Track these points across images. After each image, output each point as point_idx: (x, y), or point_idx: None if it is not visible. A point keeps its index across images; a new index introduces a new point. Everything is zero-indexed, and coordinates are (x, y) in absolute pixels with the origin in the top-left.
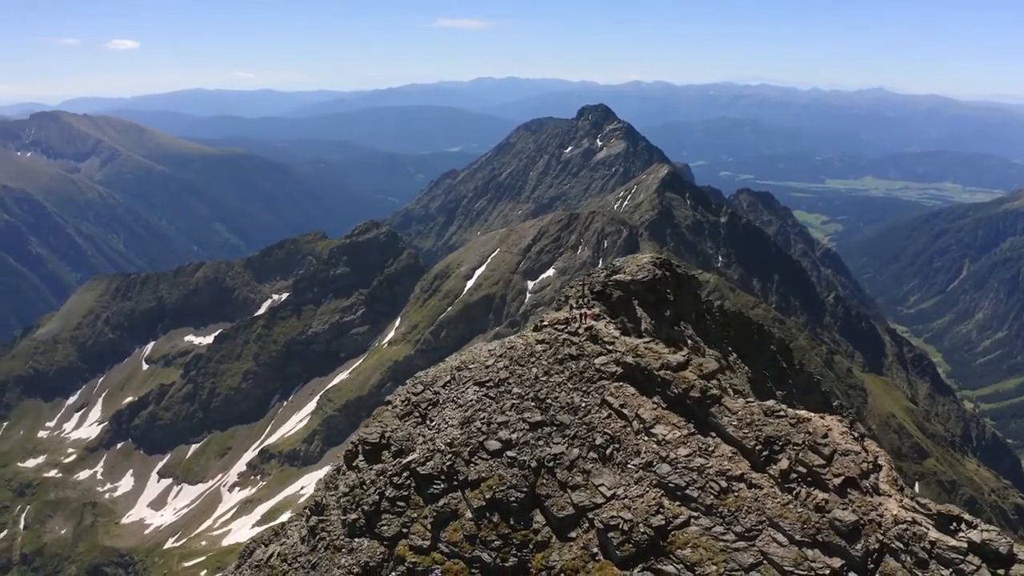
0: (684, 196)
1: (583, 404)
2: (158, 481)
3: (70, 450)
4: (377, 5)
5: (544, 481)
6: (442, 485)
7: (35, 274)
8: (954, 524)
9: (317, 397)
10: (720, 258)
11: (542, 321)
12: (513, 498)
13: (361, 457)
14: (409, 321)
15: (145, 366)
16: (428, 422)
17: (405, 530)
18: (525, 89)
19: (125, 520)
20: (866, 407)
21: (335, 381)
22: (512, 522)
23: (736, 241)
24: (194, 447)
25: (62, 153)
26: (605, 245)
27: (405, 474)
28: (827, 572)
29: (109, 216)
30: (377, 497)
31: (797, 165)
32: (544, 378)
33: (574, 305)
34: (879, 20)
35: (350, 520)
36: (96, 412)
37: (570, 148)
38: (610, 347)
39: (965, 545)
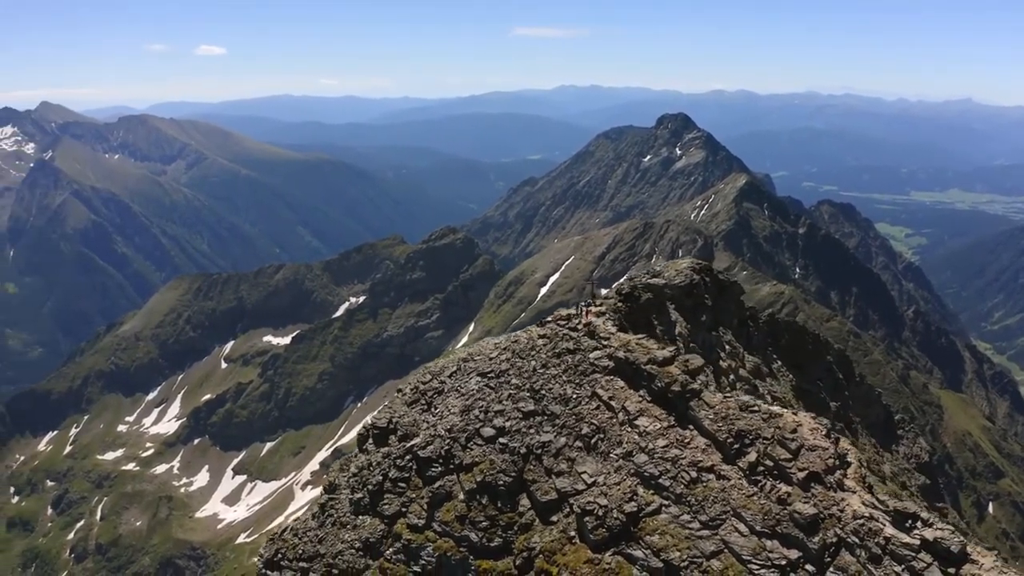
0: (762, 206)
1: (575, 396)
2: (232, 477)
3: (148, 444)
4: (455, 15)
5: (532, 467)
6: (440, 468)
7: (120, 273)
8: (909, 521)
9: (390, 399)
10: (797, 270)
11: (547, 318)
12: (502, 482)
13: (371, 441)
14: (483, 326)
15: (224, 365)
16: (433, 409)
17: (404, 509)
18: (607, 97)
19: (199, 514)
20: (941, 424)
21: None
22: (500, 505)
23: (814, 253)
24: (269, 445)
25: (149, 156)
26: (680, 254)
27: (408, 457)
28: (783, 563)
29: (194, 218)
30: (381, 478)
31: (881, 177)
32: (541, 370)
33: (583, 304)
34: (969, 29)
35: (356, 499)
36: (175, 408)
37: (649, 157)
38: (605, 342)
39: (918, 542)
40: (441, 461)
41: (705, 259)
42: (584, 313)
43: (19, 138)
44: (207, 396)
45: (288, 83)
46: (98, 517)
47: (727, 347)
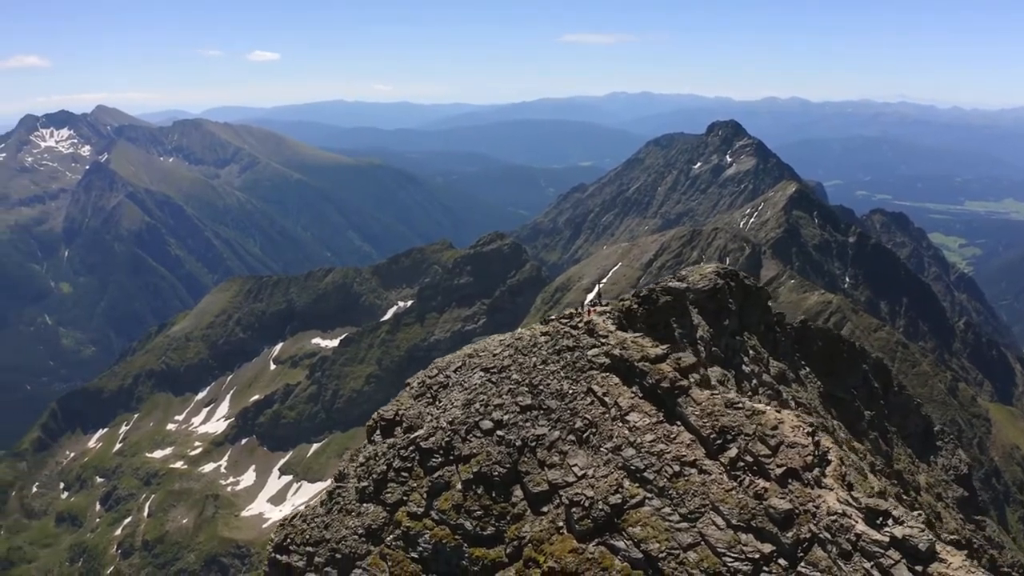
0: (812, 215)
1: (571, 391)
2: (279, 477)
3: (196, 443)
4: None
5: (526, 459)
6: (440, 459)
7: (173, 274)
8: (881, 519)
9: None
10: (847, 279)
11: (552, 316)
12: (496, 473)
13: (378, 432)
14: None
15: (273, 366)
16: (437, 402)
17: (405, 498)
18: (659, 104)
19: (245, 513)
20: (989, 438)
21: None
22: (494, 495)
23: (864, 262)
24: (315, 446)
25: (203, 159)
26: (727, 262)
27: (411, 448)
28: (757, 556)
29: (246, 221)
30: (385, 467)
31: (935, 185)
32: (541, 366)
33: (588, 303)
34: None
35: (361, 487)
36: (223, 408)
37: (699, 164)
38: (603, 340)
39: (887, 539)
40: (442, 452)
41: (753, 267)
42: (587, 312)
43: (75, 141)
44: (255, 397)
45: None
46: (145, 514)
47: (751, 352)
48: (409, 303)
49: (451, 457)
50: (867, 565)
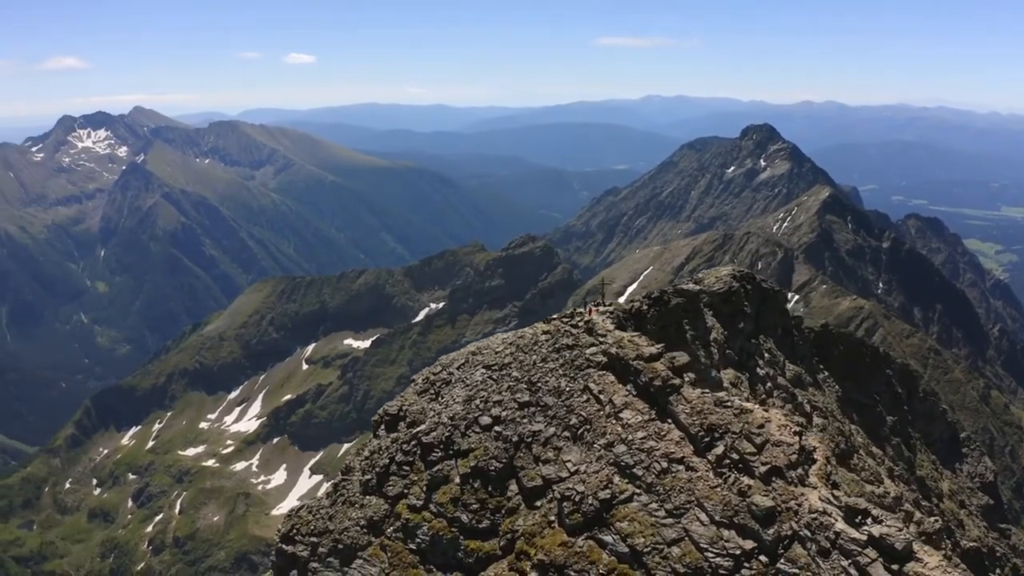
0: (846, 219)
1: (567, 388)
2: (309, 476)
3: (228, 442)
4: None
5: (522, 454)
6: (440, 453)
7: (208, 274)
8: (860, 517)
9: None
10: (880, 284)
11: (554, 315)
12: (493, 468)
13: (383, 426)
14: None
15: (305, 366)
16: (440, 398)
17: (406, 491)
18: (694, 108)
19: (275, 512)
20: (1022, 446)
21: None
22: (490, 489)
23: (898, 268)
24: (346, 446)
25: (238, 161)
26: (759, 267)
27: (413, 442)
28: (738, 552)
29: (281, 222)
30: (388, 461)
31: (972, 191)
32: (540, 364)
33: (590, 303)
34: None
35: (365, 480)
36: (256, 407)
37: (732, 168)
38: (601, 339)
39: (865, 538)
40: (442, 447)
41: (785, 272)
42: (588, 311)
43: (112, 141)
44: (287, 396)
45: (376, 91)
46: (177, 511)
47: (766, 355)
48: (441, 305)
49: (451, 452)
50: (845, 563)
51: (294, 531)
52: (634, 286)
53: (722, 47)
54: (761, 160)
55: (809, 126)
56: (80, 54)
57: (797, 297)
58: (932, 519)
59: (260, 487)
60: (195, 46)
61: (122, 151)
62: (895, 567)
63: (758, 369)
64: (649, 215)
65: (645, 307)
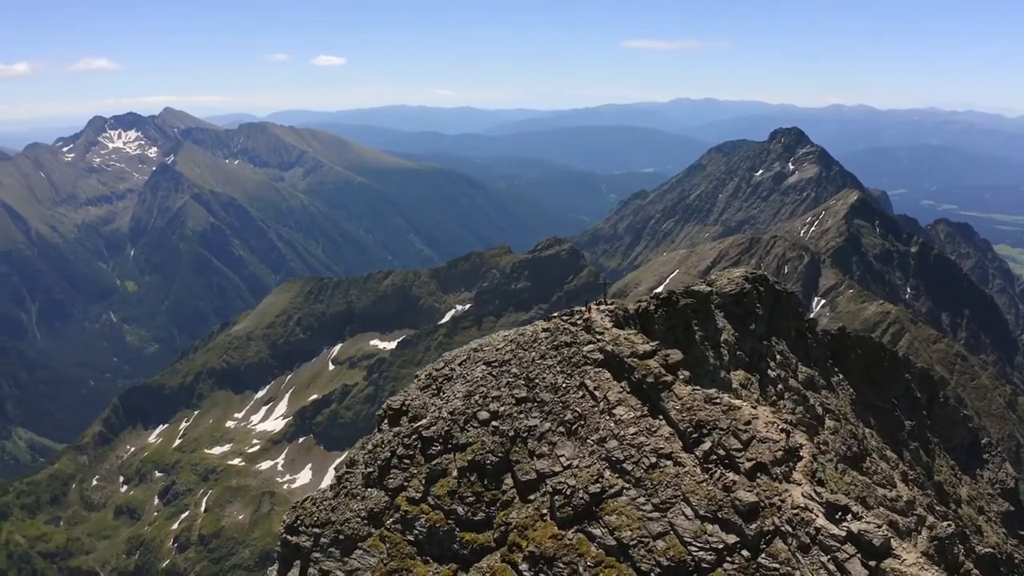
0: (874, 224)
1: (564, 385)
2: (334, 476)
3: (255, 441)
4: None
5: (517, 449)
6: (439, 447)
7: (236, 274)
8: (840, 514)
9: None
10: (908, 290)
11: (555, 313)
12: (489, 462)
13: (386, 421)
14: None
15: (331, 366)
16: (441, 394)
17: (406, 484)
18: (723, 111)
19: None
20: None
21: None
22: (486, 482)
23: (926, 273)
24: None
25: (268, 162)
26: (785, 271)
27: (414, 436)
28: (721, 547)
29: (309, 223)
30: (389, 454)
31: (1003, 196)
32: (539, 361)
33: (592, 302)
34: None
35: (367, 472)
36: (282, 407)
37: (760, 171)
38: (599, 336)
39: (844, 534)
40: (441, 441)
41: (811, 276)
42: (588, 309)
43: (142, 142)
44: (313, 396)
45: (405, 93)
46: (202, 509)
47: (778, 357)
48: (467, 307)
49: (449, 446)
50: (824, 559)
51: (298, 522)
52: (659, 289)
53: (751, 50)
54: (789, 163)
55: (839, 130)
56: (111, 56)
57: (823, 301)
58: (945, 524)
59: (285, 486)
60: (225, 48)
61: (152, 152)
62: (873, 563)
63: (769, 371)
64: (676, 218)
65: (652, 307)
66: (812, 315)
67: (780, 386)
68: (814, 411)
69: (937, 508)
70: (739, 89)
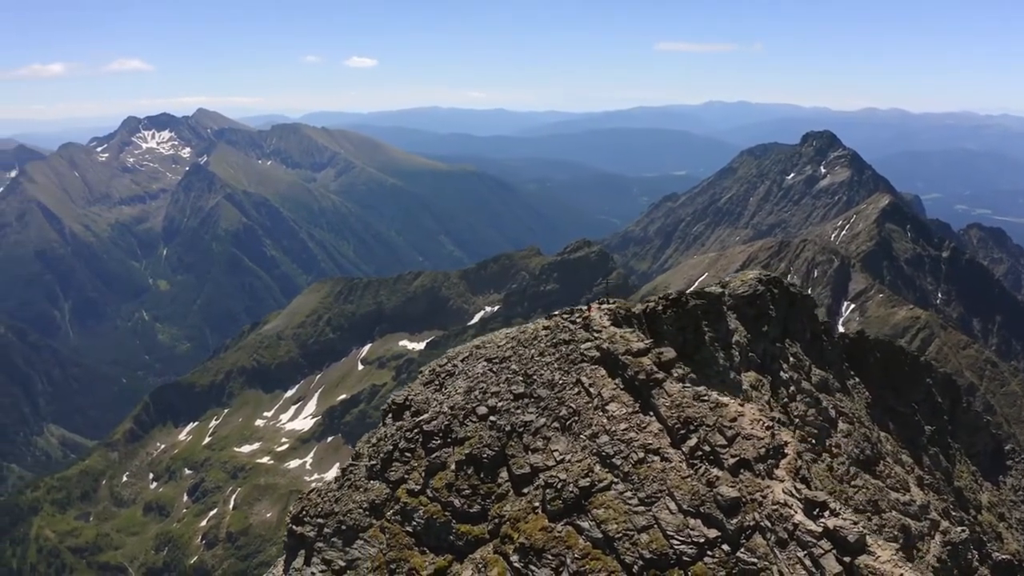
0: (905, 228)
1: (561, 381)
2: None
3: (283, 439)
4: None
5: (513, 443)
6: (439, 441)
7: (268, 274)
8: (818, 510)
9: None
10: (939, 295)
11: (555, 311)
12: (486, 455)
13: (390, 415)
14: None
15: (360, 366)
16: (443, 389)
17: (406, 476)
18: (756, 114)
19: None
20: None
21: None
22: (482, 476)
23: (958, 278)
24: None
25: (300, 163)
26: (815, 275)
27: (415, 430)
28: (702, 540)
29: (341, 224)
30: (392, 448)
31: None
32: (538, 358)
33: (594, 301)
34: None
35: (370, 465)
36: (311, 406)
37: (792, 175)
38: (596, 334)
39: (820, 530)
40: (441, 435)
41: (841, 281)
42: (588, 308)
43: (176, 143)
44: (343, 396)
45: (436, 95)
46: (231, 506)
47: (791, 359)
48: (496, 308)
49: (449, 440)
50: (800, 554)
51: (303, 513)
52: (689, 291)
53: (785, 53)
54: (821, 167)
55: (872, 133)
56: (144, 56)
57: (853, 306)
58: (959, 529)
59: (313, 485)
60: (257, 49)
61: (185, 152)
62: (847, 559)
63: (781, 373)
64: (707, 221)
65: (661, 308)
66: (842, 319)
67: (792, 388)
68: (827, 413)
69: (954, 513)
70: (772, 92)
